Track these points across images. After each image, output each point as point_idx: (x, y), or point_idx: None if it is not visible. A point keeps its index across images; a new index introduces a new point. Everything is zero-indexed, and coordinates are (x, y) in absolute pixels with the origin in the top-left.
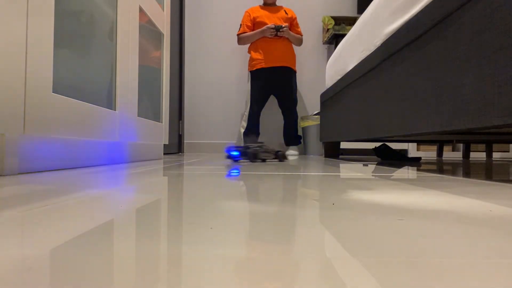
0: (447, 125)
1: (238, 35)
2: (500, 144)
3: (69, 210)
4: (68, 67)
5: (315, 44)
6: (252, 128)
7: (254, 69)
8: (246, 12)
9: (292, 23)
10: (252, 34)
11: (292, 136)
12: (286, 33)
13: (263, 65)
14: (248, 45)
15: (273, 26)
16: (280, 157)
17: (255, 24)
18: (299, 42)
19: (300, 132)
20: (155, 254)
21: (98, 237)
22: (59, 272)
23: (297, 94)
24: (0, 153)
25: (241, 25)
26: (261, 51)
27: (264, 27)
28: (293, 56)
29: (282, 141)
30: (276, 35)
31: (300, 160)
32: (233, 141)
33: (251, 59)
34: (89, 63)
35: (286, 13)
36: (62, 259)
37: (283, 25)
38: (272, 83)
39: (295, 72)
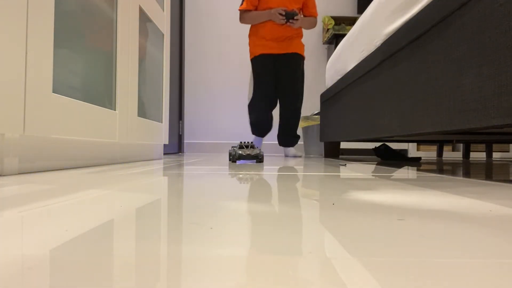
0: (447, 125)
1: (240, 10)
2: (500, 144)
3: (69, 210)
4: (68, 67)
5: (315, 44)
6: (260, 122)
7: (257, 54)
8: None
9: (308, 4)
10: (258, 14)
11: (292, 136)
12: (299, 23)
13: (266, 50)
14: (249, 27)
15: (284, 11)
16: None
17: (260, 2)
18: (312, 25)
19: (299, 132)
20: (155, 254)
21: (98, 237)
22: (59, 272)
23: None
24: (0, 153)
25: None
26: (263, 36)
27: (273, 10)
28: (300, 40)
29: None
30: (286, 23)
31: (300, 160)
32: (233, 141)
33: (252, 45)
34: (89, 63)
35: None
36: (62, 259)
37: (295, 12)
38: (276, 70)
39: (303, 58)
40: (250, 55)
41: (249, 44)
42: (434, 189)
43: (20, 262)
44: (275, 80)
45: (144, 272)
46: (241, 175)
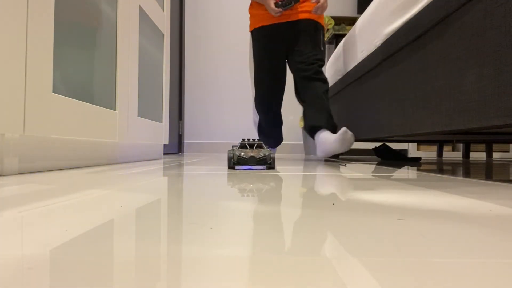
0: (447, 125)
1: None
2: (500, 144)
3: (69, 210)
4: (68, 67)
5: None
6: (267, 118)
7: (258, 26)
8: None
9: None
10: None
11: (329, 116)
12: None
13: (270, 21)
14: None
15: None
16: None
17: None
18: None
19: (299, 133)
20: (155, 254)
21: (98, 237)
22: (59, 272)
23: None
24: (0, 153)
25: None
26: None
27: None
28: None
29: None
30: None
31: (300, 160)
32: (234, 141)
33: (252, 15)
34: (89, 63)
35: None
36: (62, 259)
37: None
38: (286, 41)
39: (323, 27)
40: (250, 27)
41: (249, 11)
42: (434, 189)
43: (20, 262)
44: (284, 57)
45: (144, 272)
46: (241, 175)
